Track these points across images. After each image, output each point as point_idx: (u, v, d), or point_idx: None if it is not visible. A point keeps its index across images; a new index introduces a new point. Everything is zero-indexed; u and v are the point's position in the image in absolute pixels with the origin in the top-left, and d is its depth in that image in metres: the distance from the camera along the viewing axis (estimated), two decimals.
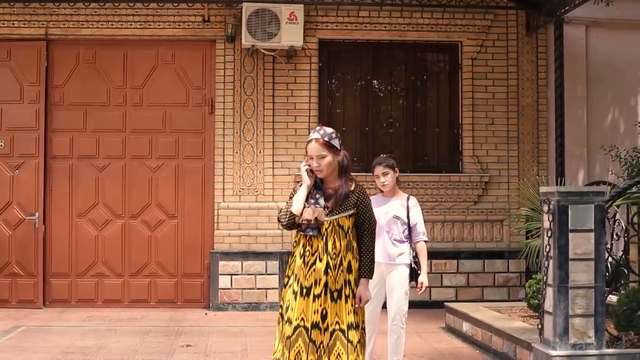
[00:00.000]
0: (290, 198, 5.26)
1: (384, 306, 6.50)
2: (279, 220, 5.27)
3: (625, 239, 7.11)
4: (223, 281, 10.08)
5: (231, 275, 10.08)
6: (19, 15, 10.11)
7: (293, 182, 9.91)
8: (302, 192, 5.19)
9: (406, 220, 6.41)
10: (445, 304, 9.21)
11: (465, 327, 8.31)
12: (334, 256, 5.08)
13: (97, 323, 9.15)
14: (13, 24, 10.13)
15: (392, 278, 6.39)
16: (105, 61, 10.32)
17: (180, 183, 10.32)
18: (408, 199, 6.51)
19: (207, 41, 10.35)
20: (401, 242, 6.41)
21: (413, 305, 10.02)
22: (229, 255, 10.13)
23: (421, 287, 6.39)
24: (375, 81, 10.77)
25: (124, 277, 10.24)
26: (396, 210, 6.43)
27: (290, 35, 9.92)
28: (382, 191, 6.56)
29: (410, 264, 6.39)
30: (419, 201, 6.64)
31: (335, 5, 10.33)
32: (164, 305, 10.19)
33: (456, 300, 9.92)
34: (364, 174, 10.10)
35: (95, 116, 10.29)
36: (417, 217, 6.45)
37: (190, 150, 10.34)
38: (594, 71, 10.82)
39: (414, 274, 6.39)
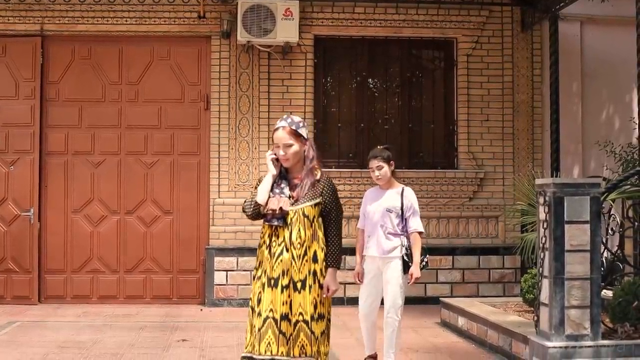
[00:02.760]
0: (255, 188, 5.24)
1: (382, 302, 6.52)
2: (243, 211, 5.22)
3: (620, 233, 7.12)
4: (218, 277, 10.07)
5: (226, 271, 10.08)
6: (14, 11, 10.11)
7: None
8: (267, 182, 5.16)
9: (400, 212, 6.42)
10: (441, 299, 9.22)
11: (461, 321, 8.32)
12: (298, 246, 5.06)
13: (93, 319, 9.14)
14: (8, 19, 10.11)
15: (387, 272, 6.40)
16: (100, 57, 10.31)
17: (176, 179, 10.31)
18: (403, 189, 6.52)
19: (203, 37, 10.35)
20: (395, 235, 6.41)
21: (408, 301, 9.99)
22: (224, 252, 10.12)
23: (411, 277, 6.39)
24: (370, 77, 10.77)
25: (119, 273, 10.23)
26: (390, 202, 6.44)
27: (286, 31, 9.93)
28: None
29: (403, 257, 6.39)
30: None
31: (331, 1, 10.34)
32: (159, 302, 10.19)
33: (451, 296, 9.93)
34: (359, 169, 10.15)
35: (90, 112, 10.28)
36: (411, 208, 6.45)
37: (186, 147, 10.33)
38: (588, 68, 10.85)
39: (406, 266, 6.40)
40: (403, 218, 6.42)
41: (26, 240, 10.07)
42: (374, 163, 6.49)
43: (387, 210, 6.41)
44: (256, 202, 5.12)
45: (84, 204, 10.24)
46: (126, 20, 10.21)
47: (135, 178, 10.28)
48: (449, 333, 8.44)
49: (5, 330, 8.32)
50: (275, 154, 5.18)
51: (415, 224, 6.44)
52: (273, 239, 5.11)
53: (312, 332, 5.03)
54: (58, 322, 8.93)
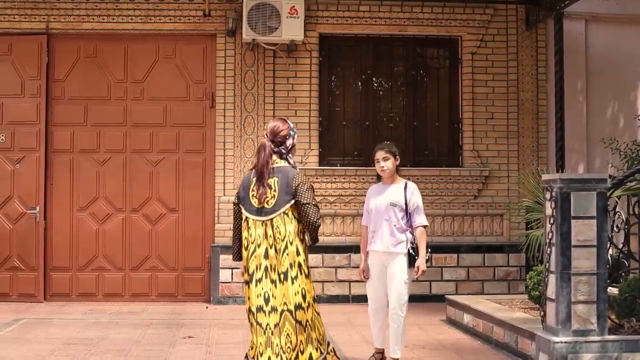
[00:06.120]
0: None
1: None
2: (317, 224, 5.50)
3: (626, 230, 7.12)
4: (224, 275, 10.09)
5: (232, 269, 10.07)
6: (20, 10, 10.13)
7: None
8: None
9: (404, 207, 6.44)
10: (446, 296, 9.22)
11: (467, 319, 8.33)
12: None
13: (98, 316, 9.15)
14: (14, 17, 10.14)
15: (391, 268, 6.43)
16: (106, 55, 10.33)
17: (181, 177, 10.33)
18: (406, 184, 6.55)
19: (208, 35, 10.36)
20: (400, 230, 6.43)
21: (413, 298, 10.00)
22: (229, 249, 9.97)
23: (417, 270, 6.40)
24: (375, 76, 10.77)
25: (124, 271, 10.24)
26: (393, 197, 6.47)
27: (291, 29, 9.93)
28: (380, 180, 6.66)
29: (408, 251, 6.40)
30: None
31: None
32: (165, 299, 10.20)
33: (456, 294, 9.93)
34: (364, 167, 10.17)
35: (96, 110, 10.30)
36: (415, 202, 6.47)
37: (191, 145, 10.35)
38: (593, 66, 10.85)
39: (412, 260, 6.41)
40: (407, 212, 6.44)
41: (32, 238, 10.09)
42: (380, 154, 6.54)
43: (391, 204, 6.44)
44: None
45: (90, 201, 10.26)
46: (132, 19, 10.23)
47: (141, 176, 10.30)
48: (455, 330, 8.45)
49: (11, 327, 8.35)
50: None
51: (420, 218, 6.47)
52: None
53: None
54: (64, 319, 8.94)
